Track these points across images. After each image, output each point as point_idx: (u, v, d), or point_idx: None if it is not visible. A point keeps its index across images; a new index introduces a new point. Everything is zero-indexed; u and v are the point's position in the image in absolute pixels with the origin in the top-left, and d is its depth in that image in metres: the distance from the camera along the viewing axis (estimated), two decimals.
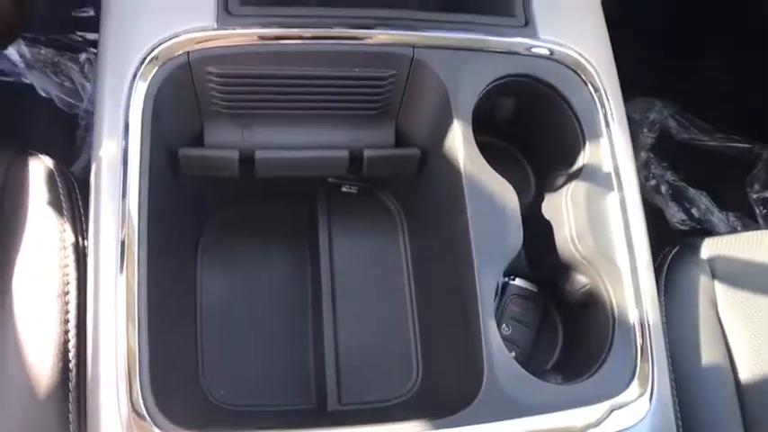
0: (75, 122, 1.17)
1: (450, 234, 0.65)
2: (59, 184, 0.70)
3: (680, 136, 1.40)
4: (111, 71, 0.61)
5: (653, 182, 1.37)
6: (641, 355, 0.60)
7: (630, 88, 1.37)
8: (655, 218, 1.33)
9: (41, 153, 0.74)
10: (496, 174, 0.63)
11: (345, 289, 0.76)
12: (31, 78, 1.17)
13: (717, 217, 1.31)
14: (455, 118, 0.63)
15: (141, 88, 0.59)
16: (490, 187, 0.62)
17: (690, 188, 1.35)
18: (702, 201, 1.34)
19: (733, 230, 1.30)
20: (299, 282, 0.78)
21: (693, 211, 1.34)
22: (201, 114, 0.67)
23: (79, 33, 1.21)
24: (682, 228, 1.33)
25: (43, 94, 1.17)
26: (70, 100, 1.20)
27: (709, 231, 1.30)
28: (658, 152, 1.38)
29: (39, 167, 0.71)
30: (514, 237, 0.61)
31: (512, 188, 0.62)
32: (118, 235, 0.57)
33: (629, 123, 1.36)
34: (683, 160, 1.37)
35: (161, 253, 0.61)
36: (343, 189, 0.78)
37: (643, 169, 1.38)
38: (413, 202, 0.78)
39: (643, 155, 1.39)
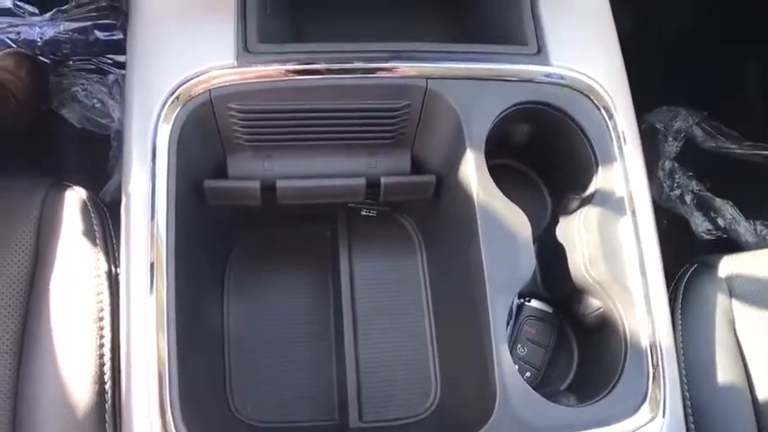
0: (106, 143, 1.20)
1: (464, 259, 0.66)
2: (92, 215, 0.73)
3: (706, 144, 1.39)
4: (138, 110, 0.64)
5: (677, 191, 1.36)
6: (653, 380, 0.61)
7: (655, 97, 1.37)
8: (679, 228, 1.32)
9: (74, 181, 0.78)
10: (509, 201, 0.64)
11: (366, 310, 0.79)
12: (59, 107, 1.20)
13: (743, 227, 1.30)
14: (468, 147, 0.65)
15: (165, 129, 0.62)
16: (503, 215, 0.64)
17: (716, 198, 1.33)
18: (728, 210, 1.32)
19: (760, 240, 1.29)
20: (322, 303, 0.80)
21: (719, 220, 1.33)
22: (225, 147, 0.70)
23: (108, 56, 1.23)
24: (707, 237, 1.32)
25: (75, 123, 1.20)
26: (101, 121, 1.23)
27: (735, 241, 1.28)
28: (683, 161, 1.37)
29: (73, 199, 0.74)
30: (526, 265, 0.62)
31: (524, 216, 0.64)
32: (148, 256, 0.60)
33: (654, 132, 1.37)
34: (709, 169, 1.36)
35: (189, 277, 0.63)
36: (363, 213, 0.81)
37: (668, 179, 1.37)
38: (430, 226, 0.79)
39: (668, 164, 1.38)
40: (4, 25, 1.11)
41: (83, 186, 0.77)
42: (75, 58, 1.20)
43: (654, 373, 0.61)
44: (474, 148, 0.65)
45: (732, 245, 1.30)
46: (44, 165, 1.15)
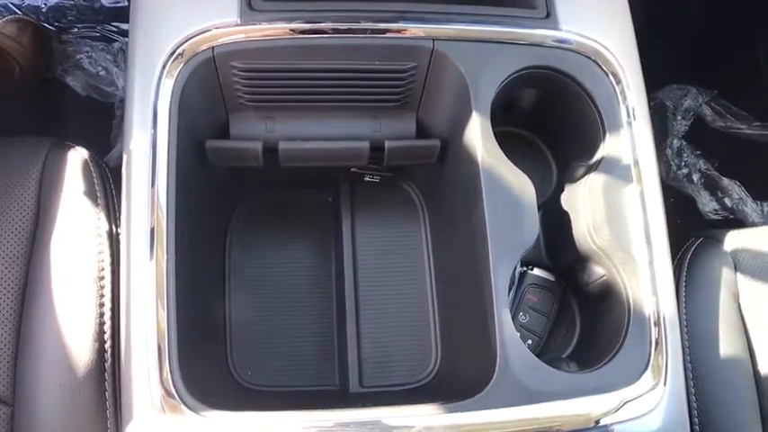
0: (110, 111, 1.20)
1: (468, 224, 0.66)
2: (94, 175, 0.73)
3: (715, 123, 1.37)
4: (140, 68, 0.63)
5: (685, 170, 1.34)
6: (655, 347, 0.60)
7: (665, 75, 1.35)
8: (686, 207, 1.31)
9: (77, 144, 0.77)
10: (514, 166, 0.63)
11: (368, 275, 0.79)
12: (63, 75, 1.19)
13: (750, 207, 1.28)
14: (474, 110, 0.64)
15: (168, 85, 0.62)
16: (507, 179, 0.63)
17: (723, 177, 1.32)
18: (735, 190, 1.31)
19: (767, 220, 1.27)
20: (323, 268, 0.80)
21: (726, 200, 1.32)
22: (227, 107, 0.69)
23: (113, 24, 1.22)
24: (714, 217, 1.31)
25: (79, 91, 1.19)
26: (106, 89, 1.22)
27: (742, 221, 1.27)
28: (692, 140, 1.35)
29: (75, 158, 0.73)
30: (530, 230, 0.61)
31: (529, 181, 0.63)
32: (148, 222, 0.59)
33: (663, 110, 1.35)
34: (717, 148, 1.34)
35: (190, 239, 0.64)
36: (366, 178, 0.80)
37: (675, 157, 1.35)
38: (434, 191, 0.79)
39: (676, 142, 1.37)
40: None
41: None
42: (79, 26, 1.19)
43: (656, 341, 0.61)
44: (480, 111, 0.64)
45: (738, 225, 1.28)
46: (47, 132, 1.14)
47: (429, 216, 0.80)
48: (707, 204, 1.33)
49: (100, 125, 1.19)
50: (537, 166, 0.78)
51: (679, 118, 1.38)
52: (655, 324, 0.61)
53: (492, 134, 0.64)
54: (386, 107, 0.71)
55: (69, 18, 1.20)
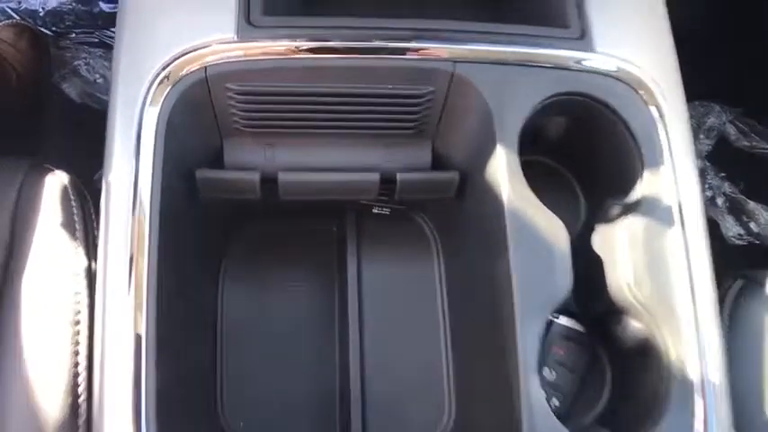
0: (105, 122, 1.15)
1: (490, 270, 0.59)
2: (74, 204, 0.66)
3: (739, 143, 1.30)
4: (123, 89, 0.57)
5: (708, 193, 1.27)
6: (703, 423, 0.53)
7: (686, 91, 1.28)
8: (709, 232, 1.24)
9: (69, 161, 0.72)
10: (544, 207, 0.57)
11: (374, 318, 0.72)
12: (59, 81, 1.15)
13: None
14: (499, 142, 0.57)
15: (153, 112, 0.55)
16: (537, 223, 0.56)
17: (749, 201, 1.25)
18: (762, 214, 1.24)
19: None
20: (325, 308, 0.74)
21: (752, 225, 1.24)
22: (221, 133, 0.63)
23: (112, 30, 1.18)
24: (738, 243, 1.24)
25: (74, 98, 1.15)
26: (102, 97, 1.17)
27: None
28: (715, 161, 1.28)
29: (54, 184, 0.67)
30: (563, 281, 0.55)
31: (562, 225, 0.56)
32: (127, 260, 0.54)
33: None
34: (743, 170, 1.27)
35: (177, 275, 0.58)
36: (375, 210, 0.74)
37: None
38: (451, 227, 0.72)
39: (698, 163, 1.29)
40: None
41: (77, 167, 0.71)
42: (77, 31, 1.16)
43: (703, 414, 0.53)
44: (505, 143, 0.57)
45: (765, 251, 1.22)
46: (38, 141, 1.10)
47: (444, 254, 0.74)
48: (731, 229, 1.26)
49: (93, 136, 1.13)
50: (562, 200, 0.71)
51: (702, 137, 1.31)
52: (700, 393, 0.54)
53: (520, 170, 0.57)
54: (398, 135, 0.65)
55: (67, 23, 1.18)
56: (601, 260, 0.62)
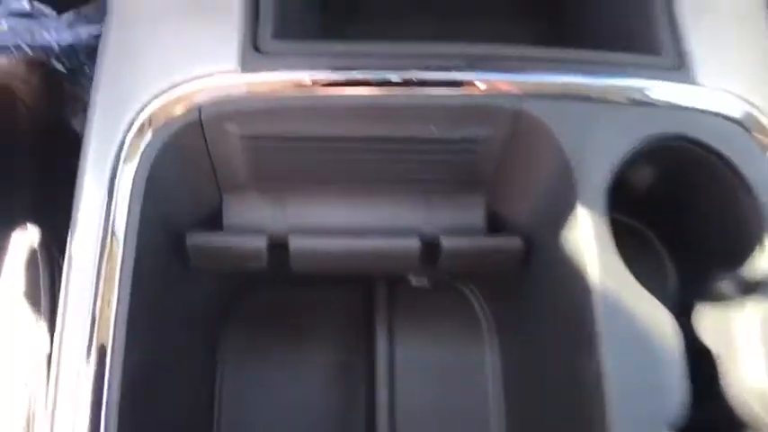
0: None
1: (569, 365, 0.47)
2: (41, 269, 0.60)
3: None
4: (95, 141, 0.47)
5: None
6: None
7: None
8: None
9: (45, 214, 0.65)
10: (645, 291, 0.44)
11: (409, 414, 0.61)
12: (70, 117, 1.13)
13: None
14: (580, 199, 0.46)
15: (128, 170, 0.46)
16: (637, 311, 0.43)
17: None
18: None
19: None
20: (347, 399, 0.63)
21: None
22: (220, 187, 0.54)
23: None
24: None
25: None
26: None
27: None
28: None
29: (20, 247, 0.60)
30: (675, 394, 0.42)
31: (671, 317, 0.44)
32: (88, 351, 0.44)
33: None
34: None
35: (157, 370, 0.50)
36: (412, 281, 0.64)
37: None
38: (509, 304, 0.62)
39: None
40: (20, 29, 1.01)
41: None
42: (92, 66, 1.14)
43: None
44: (589, 201, 0.46)
45: None
46: (42, 180, 1.08)
47: (499, 337, 0.62)
48: None
49: None
50: (646, 270, 0.58)
51: None
52: None
53: (610, 239, 0.45)
54: (444, 189, 0.55)
55: (81, 59, 1.14)
56: (711, 354, 0.49)
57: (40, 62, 1.05)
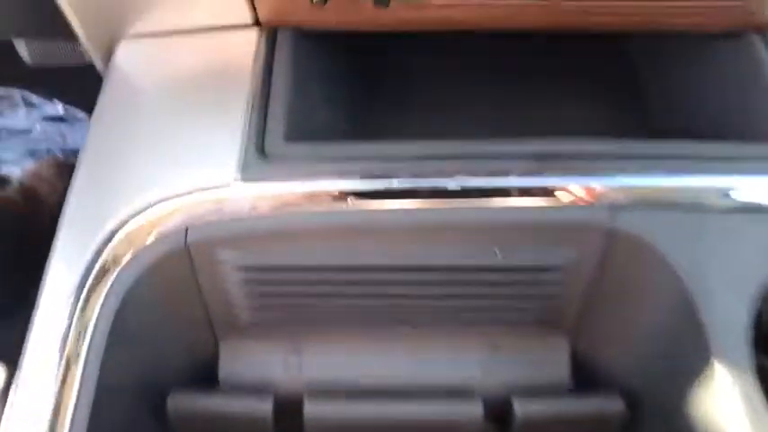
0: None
1: None
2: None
3: None
4: (61, 262, 0.38)
5: None
6: None
7: None
8: None
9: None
10: None
11: None
12: None
13: None
14: (713, 343, 0.35)
15: (92, 305, 0.36)
16: None
17: None
18: None
19: None
20: None
21: None
22: (215, 330, 0.44)
23: None
24: None
25: None
26: None
27: None
28: None
29: None
30: None
31: None
32: None
33: None
34: None
35: None
36: None
37: None
38: None
39: None
40: (52, 132, 1.05)
41: None
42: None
43: None
44: (724, 349, 0.34)
45: None
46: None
47: None
48: None
49: None
50: None
51: None
52: None
53: (763, 401, 0.33)
54: (512, 332, 0.43)
55: None
56: None
57: (68, 166, 1.03)
